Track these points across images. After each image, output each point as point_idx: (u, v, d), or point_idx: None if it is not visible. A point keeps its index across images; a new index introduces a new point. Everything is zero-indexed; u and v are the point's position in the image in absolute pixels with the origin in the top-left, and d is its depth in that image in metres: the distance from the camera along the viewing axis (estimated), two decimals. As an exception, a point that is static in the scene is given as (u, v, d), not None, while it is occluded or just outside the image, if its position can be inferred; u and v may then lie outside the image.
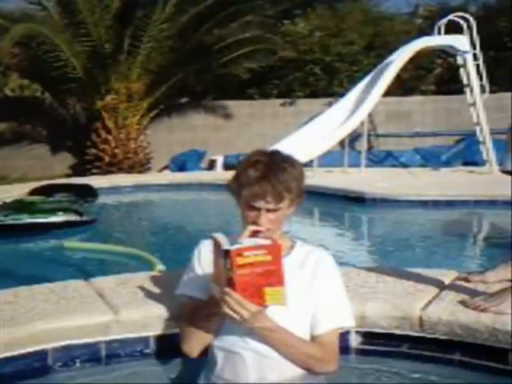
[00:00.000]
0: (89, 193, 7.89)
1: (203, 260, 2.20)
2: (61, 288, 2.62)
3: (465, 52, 9.62)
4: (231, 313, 1.88)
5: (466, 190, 7.30)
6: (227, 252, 1.86)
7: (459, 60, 9.97)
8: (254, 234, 2.08)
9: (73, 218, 6.14)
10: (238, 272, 1.84)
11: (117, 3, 11.01)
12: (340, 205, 7.53)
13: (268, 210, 2.08)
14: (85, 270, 4.56)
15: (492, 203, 6.59)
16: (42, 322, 2.24)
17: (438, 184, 8.19)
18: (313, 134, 9.72)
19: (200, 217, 7.62)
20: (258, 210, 2.08)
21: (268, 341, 2.01)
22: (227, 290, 1.86)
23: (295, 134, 9.90)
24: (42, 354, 2.21)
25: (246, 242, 1.96)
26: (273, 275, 1.88)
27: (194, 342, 2.12)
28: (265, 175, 2.07)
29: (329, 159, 10.17)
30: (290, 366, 2.05)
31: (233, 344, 2.06)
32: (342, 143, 10.15)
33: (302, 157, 9.09)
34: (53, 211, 6.17)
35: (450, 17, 9.99)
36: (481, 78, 9.66)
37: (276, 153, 2.17)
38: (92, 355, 2.28)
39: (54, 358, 2.23)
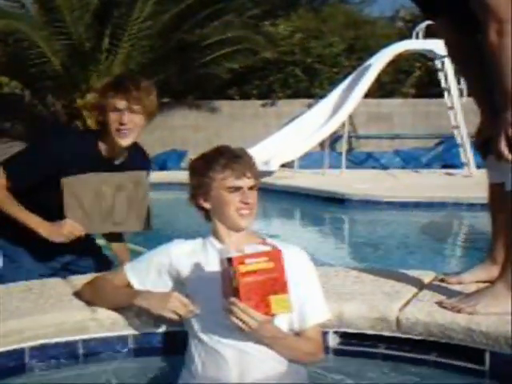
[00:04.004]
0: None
1: (169, 266, 2.20)
2: (38, 286, 2.60)
3: (443, 56, 9.71)
4: (239, 323, 1.88)
5: (444, 192, 7.36)
6: (230, 260, 1.85)
7: (438, 64, 10.06)
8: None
9: None
10: (241, 280, 1.83)
11: (96, 1, 10.95)
12: (320, 206, 7.56)
13: (249, 188, 2.14)
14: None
15: (470, 205, 6.65)
16: (17, 321, 2.22)
17: (417, 186, 8.25)
18: (293, 135, 9.74)
19: (181, 216, 7.59)
20: (240, 189, 2.12)
21: (273, 347, 2.03)
22: (233, 299, 1.86)
23: (276, 135, 9.92)
24: (18, 353, 2.19)
25: (246, 249, 1.96)
26: (276, 282, 1.87)
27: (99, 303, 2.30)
28: (238, 156, 2.14)
29: (309, 160, 10.21)
30: (270, 362, 2.06)
31: (212, 342, 2.07)
32: (322, 144, 10.20)
33: (282, 158, 9.16)
34: None
35: (429, 21, 10.06)
36: (459, 82, 9.75)
37: (226, 145, 2.24)
38: (69, 354, 2.27)
39: (31, 357, 2.21)
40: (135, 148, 2.82)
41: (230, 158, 2.14)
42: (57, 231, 2.65)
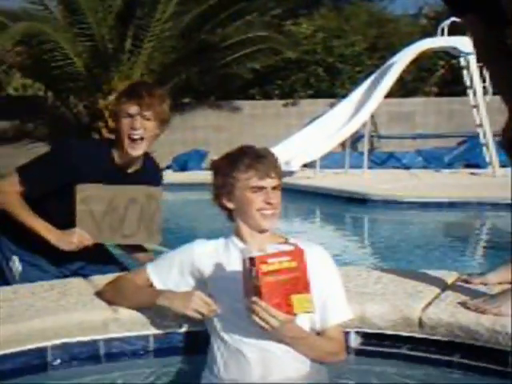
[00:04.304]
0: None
1: (191, 265, 2.20)
2: (60, 285, 2.62)
3: (468, 54, 9.61)
4: (260, 322, 1.88)
5: (468, 192, 7.29)
6: (252, 259, 1.85)
7: (462, 62, 9.96)
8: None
9: None
10: (263, 280, 1.83)
11: (119, 2, 11.02)
12: (342, 206, 7.53)
13: (273, 188, 2.13)
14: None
15: (494, 205, 6.58)
16: (40, 320, 2.23)
17: (440, 186, 8.18)
18: (315, 135, 9.72)
19: (203, 217, 7.62)
20: (263, 189, 2.11)
21: (295, 346, 2.03)
22: (255, 298, 1.86)
23: (297, 135, 9.91)
24: (40, 352, 2.21)
25: (269, 248, 1.95)
26: (299, 282, 1.86)
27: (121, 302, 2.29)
28: (262, 156, 2.13)
29: (331, 160, 10.18)
30: (293, 362, 2.06)
31: (234, 341, 2.06)
32: (344, 144, 10.15)
33: (304, 158, 9.14)
34: None
35: (454, 18, 9.97)
36: (484, 80, 9.65)
37: (250, 145, 2.23)
38: (91, 353, 2.27)
39: (53, 356, 2.23)
40: (147, 158, 2.85)
41: (253, 158, 2.13)
42: (66, 239, 2.67)
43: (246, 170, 2.11)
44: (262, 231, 2.15)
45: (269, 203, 2.11)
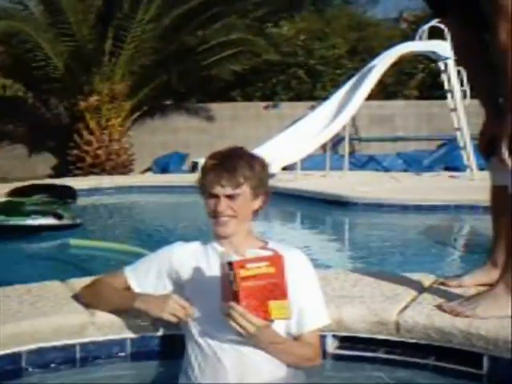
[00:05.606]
0: (68, 194, 7.81)
1: (169, 268, 2.20)
2: (36, 289, 2.60)
3: (446, 58, 9.68)
4: (237, 327, 1.88)
5: (447, 195, 7.34)
6: (230, 264, 1.85)
7: (441, 65, 10.03)
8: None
9: (51, 221, 6.04)
10: (241, 285, 1.83)
11: (100, 3, 10.96)
12: (322, 208, 7.53)
13: (227, 197, 2.10)
14: (87, 268, 4.56)
15: (472, 208, 6.63)
16: (15, 324, 2.21)
17: (419, 188, 8.22)
18: (296, 138, 9.72)
19: (183, 219, 7.59)
20: (217, 197, 2.10)
21: (271, 352, 2.03)
22: (232, 303, 1.86)
23: (278, 137, 9.90)
24: (15, 357, 2.19)
25: (248, 253, 1.95)
26: (277, 288, 1.87)
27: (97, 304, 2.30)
28: (220, 162, 2.11)
29: (311, 163, 10.19)
30: (269, 366, 2.06)
31: (210, 346, 2.06)
32: (324, 147, 10.17)
33: (284, 160, 9.13)
34: (29, 214, 6.04)
35: (433, 22, 10.05)
36: (462, 84, 9.72)
37: (238, 148, 2.21)
38: (67, 357, 2.26)
39: (28, 361, 2.21)
40: None
41: (213, 164, 2.12)
42: None
43: (204, 175, 2.13)
44: (218, 237, 2.15)
45: (215, 211, 2.10)
